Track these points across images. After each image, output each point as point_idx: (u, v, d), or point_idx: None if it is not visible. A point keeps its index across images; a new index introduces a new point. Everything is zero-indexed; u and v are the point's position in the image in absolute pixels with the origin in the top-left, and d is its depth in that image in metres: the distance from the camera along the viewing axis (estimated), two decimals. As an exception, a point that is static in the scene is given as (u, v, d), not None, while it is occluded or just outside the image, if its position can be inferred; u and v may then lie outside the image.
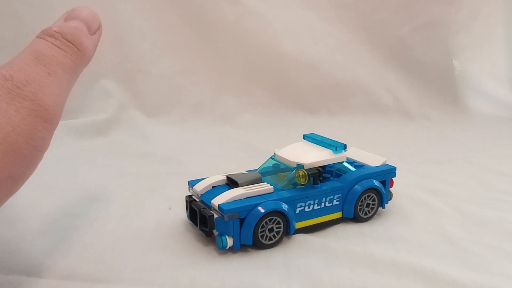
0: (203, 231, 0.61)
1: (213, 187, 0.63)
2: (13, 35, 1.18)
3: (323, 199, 0.63)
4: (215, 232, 0.59)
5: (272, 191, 0.60)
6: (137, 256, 0.57)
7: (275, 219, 0.58)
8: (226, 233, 0.56)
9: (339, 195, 0.64)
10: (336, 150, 0.64)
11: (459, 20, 1.46)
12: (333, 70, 1.36)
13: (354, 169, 0.67)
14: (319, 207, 0.62)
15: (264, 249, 0.58)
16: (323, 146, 0.66)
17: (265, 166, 0.68)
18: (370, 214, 0.67)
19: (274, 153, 0.67)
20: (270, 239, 0.58)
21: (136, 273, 0.53)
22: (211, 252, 0.58)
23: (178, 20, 1.29)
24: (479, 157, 0.99)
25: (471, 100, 1.45)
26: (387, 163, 0.71)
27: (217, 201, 0.57)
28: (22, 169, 0.41)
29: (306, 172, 0.61)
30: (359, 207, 0.65)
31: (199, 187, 0.62)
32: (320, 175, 0.62)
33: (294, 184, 0.62)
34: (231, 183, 0.62)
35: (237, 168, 0.69)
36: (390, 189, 0.70)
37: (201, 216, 0.59)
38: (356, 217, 0.65)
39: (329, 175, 0.67)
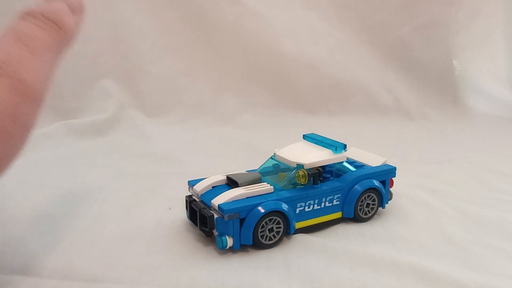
0: (203, 231, 0.61)
1: (213, 187, 0.63)
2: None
3: (323, 199, 0.63)
4: (215, 232, 0.59)
5: (272, 191, 0.60)
6: (137, 256, 0.57)
7: (275, 219, 0.58)
8: (226, 233, 0.56)
9: (339, 195, 0.64)
10: (336, 150, 0.64)
11: (459, 20, 1.46)
12: (333, 70, 1.36)
13: (354, 169, 0.67)
14: (319, 207, 0.62)
15: (264, 249, 0.58)
16: (323, 146, 0.66)
17: (265, 166, 0.68)
18: (370, 214, 0.67)
19: (274, 153, 0.67)
20: (270, 239, 0.58)
21: (136, 273, 0.53)
22: (211, 252, 0.58)
23: (178, 20, 1.29)
24: (479, 157, 0.99)
25: (471, 100, 1.45)
26: (387, 163, 0.71)
27: (217, 201, 0.57)
28: (8, 148, 0.41)
29: (306, 172, 0.61)
30: (359, 207, 0.65)
31: (199, 187, 0.62)
32: (320, 175, 0.62)
33: (294, 184, 0.62)
34: (231, 183, 0.62)
35: (237, 168, 0.69)
36: (390, 189, 0.70)
37: (201, 216, 0.59)
38: (356, 217, 0.65)
39: (329, 175, 0.67)
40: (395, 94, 1.38)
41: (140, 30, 1.27)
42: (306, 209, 0.61)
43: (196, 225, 0.61)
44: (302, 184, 0.61)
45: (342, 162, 0.66)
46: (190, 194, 0.65)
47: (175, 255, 0.57)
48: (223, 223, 0.56)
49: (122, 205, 0.72)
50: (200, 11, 1.30)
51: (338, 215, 0.65)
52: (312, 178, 0.61)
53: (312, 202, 0.62)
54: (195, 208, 0.60)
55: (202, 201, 0.61)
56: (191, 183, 0.65)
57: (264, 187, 0.60)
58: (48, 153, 0.98)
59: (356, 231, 0.64)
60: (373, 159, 0.71)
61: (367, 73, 1.39)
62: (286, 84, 1.34)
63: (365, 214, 0.66)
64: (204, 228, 0.59)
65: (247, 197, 0.58)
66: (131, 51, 1.27)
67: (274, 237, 0.59)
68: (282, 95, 1.33)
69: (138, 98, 1.26)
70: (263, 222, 0.57)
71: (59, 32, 0.45)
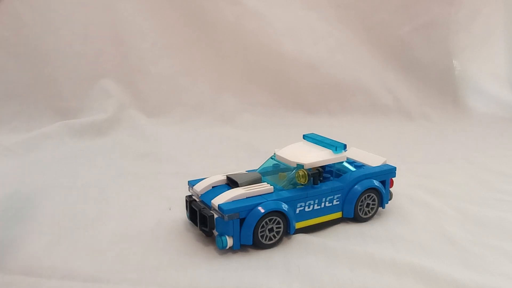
0: (203, 231, 0.61)
1: (213, 187, 0.63)
2: (13, 35, 1.18)
3: (323, 199, 0.63)
4: (215, 232, 0.59)
5: (272, 191, 0.60)
6: (137, 256, 0.57)
7: (275, 219, 0.58)
8: (226, 233, 0.56)
9: (339, 195, 0.64)
10: (336, 150, 0.64)
11: (459, 20, 1.45)
12: (333, 70, 1.36)
13: (354, 169, 0.67)
14: (319, 207, 0.62)
15: (264, 249, 0.58)
16: (323, 146, 0.66)
17: (265, 166, 0.68)
18: (370, 214, 0.67)
19: (274, 153, 0.67)
20: (270, 239, 0.58)
21: (136, 273, 0.53)
22: (211, 252, 0.58)
23: (178, 20, 1.29)
24: (479, 157, 0.99)
25: (471, 100, 1.44)
26: (387, 163, 0.71)
27: (217, 201, 0.57)
28: None
29: (306, 172, 0.61)
30: (359, 207, 0.65)
31: (199, 187, 0.62)
32: (320, 175, 0.62)
33: (294, 184, 0.62)
34: (231, 183, 0.62)
35: (237, 168, 0.69)
36: (390, 189, 0.70)
37: (201, 216, 0.59)
38: (356, 217, 0.65)
39: (329, 175, 0.67)
40: (395, 94, 1.38)
41: (140, 30, 1.27)
42: (306, 209, 0.61)
43: (196, 225, 0.61)
44: (302, 184, 0.61)
45: (342, 162, 0.66)
46: (190, 194, 0.65)
47: (175, 255, 0.57)
48: (223, 223, 0.56)
49: (122, 205, 0.72)
50: (200, 11, 1.29)
51: (338, 215, 0.65)
52: (312, 178, 0.61)
53: (312, 202, 0.62)
54: (195, 208, 0.60)
55: (202, 201, 0.61)
56: (191, 183, 0.65)
57: (264, 187, 0.60)
58: (48, 153, 0.98)
59: (356, 231, 0.64)
60: (373, 159, 0.71)
61: (367, 73, 1.39)
62: (286, 84, 1.34)
63: (365, 214, 0.66)
64: (204, 228, 0.59)
65: (247, 197, 0.58)
66: (131, 51, 1.27)
67: (274, 237, 0.59)
68: (282, 95, 1.33)
69: (138, 98, 1.26)
70: (263, 222, 0.57)
71: None
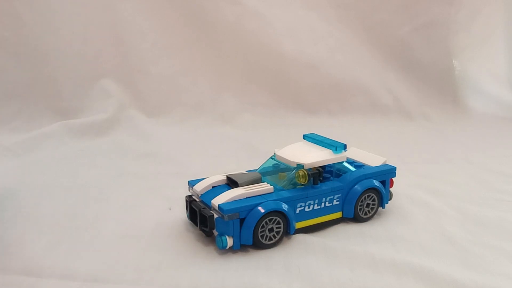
0: (203, 231, 0.61)
1: (213, 187, 0.63)
2: (13, 35, 1.18)
3: (323, 199, 0.63)
4: (215, 232, 0.59)
5: (272, 191, 0.60)
6: (137, 256, 0.57)
7: (275, 219, 0.58)
8: (226, 233, 0.56)
9: (339, 195, 0.64)
10: (336, 150, 0.64)
11: (459, 20, 1.45)
12: (333, 70, 1.36)
13: (354, 169, 0.67)
14: (319, 207, 0.62)
15: (264, 249, 0.58)
16: (323, 146, 0.66)
17: (265, 166, 0.68)
18: (370, 214, 0.67)
19: (274, 153, 0.67)
20: (270, 239, 0.58)
21: (136, 273, 0.53)
22: (211, 252, 0.58)
23: (178, 20, 1.29)
24: (479, 157, 0.99)
25: (471, 100, 1.44)
26: (387, 163, 0.71)
27: (217, 201, 0.57)
28: None
29: (306, 172, 0.61)
30: (359, 207, 0.65)
31: (199, 187, 0.62)
32: (320, 175, 0.62)
33: (294, 184, 0.62)
34: (231, 183, 0.62)
35: (237, 168, 0.69)
36: (390, 189, 0.70)
37: (201, 216, 0.59)
38: (356, 217, 0.65)
39: (329, 175, 0.67)
40: (395, 94, 1.38)
41: (140, 30, 1.27)
42: (306, 209, 0.61)
43: (196, 225, 0.61)
44: (302, 184, 0.61)
45: (342, 162, 0.66)
46: (190, 194, 0.65)
47: (175, 255, 0.57)
48: (223, 223, 0.56)
49: (122, 205, 0.72)
50: (200, 11, 1.29)
51: (338, 215, 0.65)
52: (312, 178, 0.61)
53: (312, 202, 0.62)
54: (195, 208, 0.60)
55: (202, 201, 0.61)
56: (191, 183, 0.65)
57: (264, 187, 0.60)
58: (48, 153, 0.98)
59: (356, 231, 0.64)
60: (373, 159, 0.71)
61: (367, 73, 1.39)
62: (286, 84, 1.34)
63: (365, 214, 0.66)
64: (204, 228, 0.59)
65: (247, 197, 0.58)
66: (131, 51, 1.27)
67: (274, 237, 0.59)
68: (282, 95, 1.33)
69: (138, 98, 1.26)
70: (263, 222, 0.57)
71: None
